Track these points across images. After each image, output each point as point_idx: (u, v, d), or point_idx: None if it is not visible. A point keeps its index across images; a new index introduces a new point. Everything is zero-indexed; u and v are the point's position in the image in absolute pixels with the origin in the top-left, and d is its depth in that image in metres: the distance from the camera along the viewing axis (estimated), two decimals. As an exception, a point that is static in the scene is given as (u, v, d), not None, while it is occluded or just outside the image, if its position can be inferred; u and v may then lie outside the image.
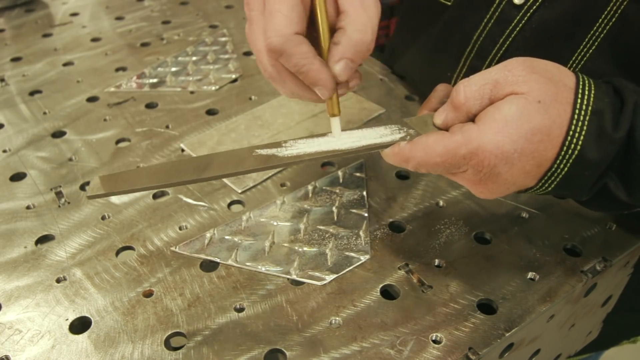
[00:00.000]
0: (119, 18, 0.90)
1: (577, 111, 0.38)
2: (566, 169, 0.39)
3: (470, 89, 0.39)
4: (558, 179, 0.40)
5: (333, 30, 0.41)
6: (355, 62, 0.40)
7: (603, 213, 0.53)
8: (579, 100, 0.38)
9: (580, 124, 0.38)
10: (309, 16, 0.40)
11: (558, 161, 0.39)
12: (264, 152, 0.42)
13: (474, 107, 0.39)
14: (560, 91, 0.38)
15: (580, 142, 0.38)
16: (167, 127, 0.66)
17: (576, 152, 0.38)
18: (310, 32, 0.40)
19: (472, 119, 0.40)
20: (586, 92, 0.38)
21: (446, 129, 0.41)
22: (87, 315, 0.45)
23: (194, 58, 0.78)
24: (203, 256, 0.50)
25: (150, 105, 0.70)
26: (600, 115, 0.38)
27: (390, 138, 0.41)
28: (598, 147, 0.38)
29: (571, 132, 0.38)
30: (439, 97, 0.44)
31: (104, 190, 0.41)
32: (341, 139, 0.42)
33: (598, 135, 0.38)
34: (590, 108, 0.38)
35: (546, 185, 0.40)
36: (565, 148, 0.38)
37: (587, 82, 0.39)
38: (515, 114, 0.37)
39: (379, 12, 0.41)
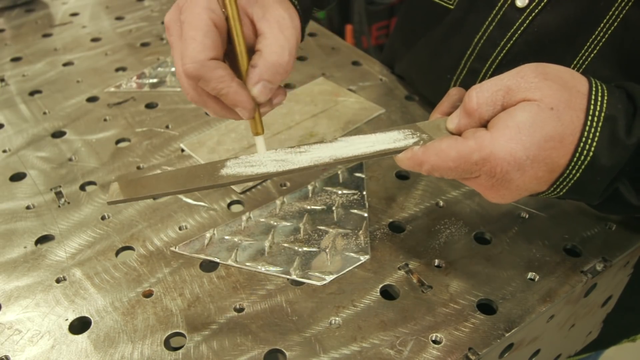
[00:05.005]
0: (119, 18, 0.90)
1: (590, 118, 0.38)
2: (578, 174, 0.39)
3: (482, 95, 0.39)
4: (570, 185, 0.40)
5: (252, 51, 0.41)
6: (274, 83, 0.40)
7: (604, 213, 0.53)
8: (591, 107, 0.38)
9: (593, 130, 0.38)
10: (227, 39, 0.41)
11: (570, 167, 0.38)
12: (279, 156, 0.42)
13: (487, 113, 0.39)
14: (573, 97, 0.38)
15: (592, 149, 0.38)
16: (167, 127, 0.66)
17: (588, 158, 0.38)
18: (231, 53, 0.41)
19: (484, 124, 0.40)
20: (599, 99, 0.38)
21: (459, 134, 0.41)
22: (86, 315, 0.45)
23: (194, 58, 0.78)
24: (203, 256, 0.50)
25: (150, 105, 0.70)
26: (613, 121, 0.38)
27: (403, 143, 0.41)
28: (610, 153, 0.38)
29: (584, 139, 0.38)
30: (451, 101, 0.44)
31: (123, 197, 0.41)
32: (355, 144, 0.42)
33: (611, 142, 0.38)
34: (603, 114, 0.38)
35: (558, 190, 0.40)
36: (577, 154, 0.38)
37: (600, 87, 0.39)
38: (528, 121, 0.37)
39: (297, 32, 0.41)
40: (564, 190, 0.40)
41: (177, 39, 0.42)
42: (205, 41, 0.38)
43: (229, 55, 0.42)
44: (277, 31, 0.40)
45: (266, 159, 0.42)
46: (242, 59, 0.40)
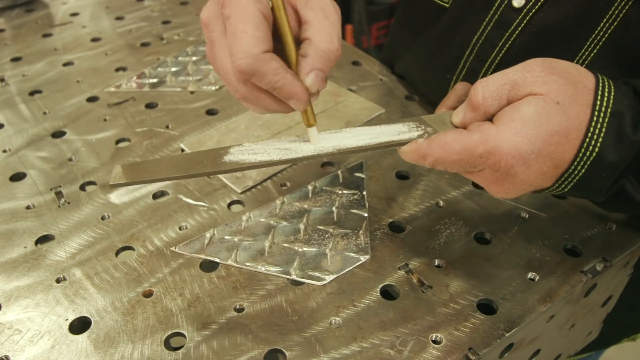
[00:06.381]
0: (119, 18, 0.90)
1: (596, 113, 0.38)
2: (583, 170, 0.39)
3: (488, 89, 0.39)
4: (575, 181, 0.39)
5: (297, 41, 0.40)
6: (325, 71, 0.39)
7: (604, 212, 0.53)
8: (598, 102, 0.38)
9: (599, 126, 0.38)
10: (273, 30, 0.39)
11: (575, 163, 0.38)
12: (283, 145, 0.42)
13: (492, 108, 0.39)
14: (580, 92, 0.38)
15: (598, 144, 0.38)
16: (167, 127, 0.66)
17: (594, 154, 0.38)
18: (275, 45, 0.40)
19: (489, 118, 0.40)
20: (606, 94, 0.38)
21: (464, 127, 0.40)
22: (87, 315, 0.45)
23: (194, 58, 0.78)
24: (203, 256, 0.50)
25: (150, 105, 0.70)
26: (619, 117, 0.38)
27: (408, 135, 0.41)
28: (617, 150, 0.38)
29: (590, 134, 0.38)
30: (457, 96, 0.44)
31: (125, 180, 0.41)
32: (359, 135, 0.42)
33: (617, 138, 0.38)
34: (609, 110, 0.38)
35: (562, 186, 0.40)
36: (583, 150, 0.38)
37: (606, 83, 0.39)
38: (533, 114, 0.37)
39: (340, 17, 0.40)
40: (569, 187, 0.40)
41: (220, 35, 0.40)
42: (257, 34, 0.37)
43: (274, 48, 0.40)
44: (323, 18, 0.39)
45: (270, 147, 0.42)
46: (290, 49, 0.39)
